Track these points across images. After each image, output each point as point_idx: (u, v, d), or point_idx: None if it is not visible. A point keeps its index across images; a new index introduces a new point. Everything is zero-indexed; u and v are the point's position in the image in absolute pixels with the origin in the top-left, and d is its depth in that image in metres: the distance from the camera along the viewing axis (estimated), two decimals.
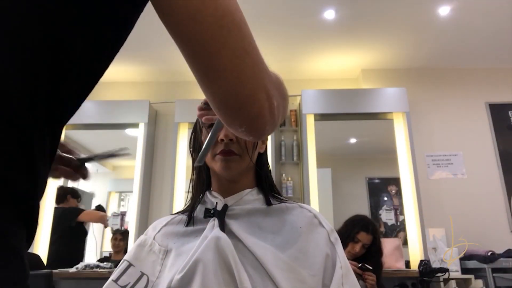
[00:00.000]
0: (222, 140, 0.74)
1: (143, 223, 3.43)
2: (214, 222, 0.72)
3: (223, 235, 0.68)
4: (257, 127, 0.45)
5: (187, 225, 0.76)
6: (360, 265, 1.95)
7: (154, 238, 0.76)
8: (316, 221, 0.75)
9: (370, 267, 1.95)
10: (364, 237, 2.03)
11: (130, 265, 0.73)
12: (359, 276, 1.93)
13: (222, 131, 0.74)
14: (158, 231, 0.78)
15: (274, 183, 0.85)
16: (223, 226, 0.71)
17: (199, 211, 0.77)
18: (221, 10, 0.39)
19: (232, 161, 0.75)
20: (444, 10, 2.94)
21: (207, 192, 0.81)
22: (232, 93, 0.41)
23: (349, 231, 2.06)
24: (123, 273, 0.72)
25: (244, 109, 0.42)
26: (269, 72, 0.46)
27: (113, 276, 0.72)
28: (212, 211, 0.75)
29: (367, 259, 2.00)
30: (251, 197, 0.78)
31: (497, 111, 3.64)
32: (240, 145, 0.76)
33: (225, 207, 0.75)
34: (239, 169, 0.77)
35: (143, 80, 3.99)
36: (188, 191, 0.83)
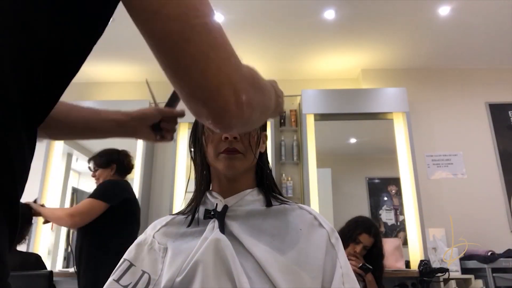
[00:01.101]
0: (226, 138, 0.74)
1: (143, 223, 3.43)
2: (214, 224, 0.72)
3: (223, 237, 0.68)
4: (222, 120, 0.45)
5: (188, 226, 0.76)
6: (360, 264, 1.95)
7: (153, 237, 0.76)
8: (317, 223, 0.75)
9: (371, 267, 1.95)
10: (365, 239, 2.03)
11: (131, 265, 0.73)
12: (360, 277, 1.93)
13: None
14: (157, 230, 0.78)
15: (275, 183, 0.84)
16: (223, 228, 0.71)
17: (199, 212, 0.77)
18: (184, 6, 0.40)
19: (236, 160, 0.75)
20: (444, 10, 2.94)
21: (206, 192, 0.81)
22: (198, 87, 0.42)
23: (351, 231, 2.06)
24: (124, 272, 0.72)
25: (210, 103, 0.43)
26: (240, 66, 0.46)
27: (114, 276, 0.72)
28: (212, 212, 0.74)
29: (368, 261, 2.01)
30: (251, 198, 0.78)
31: (497, 111, 3.64)
32: (244, 143, 0.76)
33: (225, 208, 0.75)
34: (243, 168, 0.76)
35: (143, 80, 3.98)
36: (186, 191, 0.83)
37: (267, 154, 0.85)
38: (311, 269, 0.67)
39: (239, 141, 0.75)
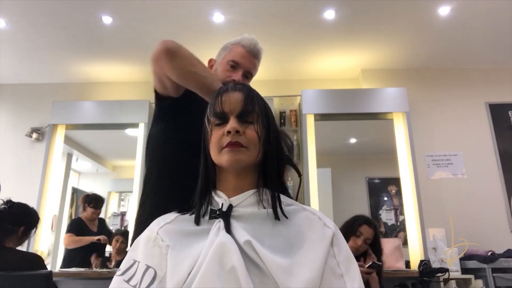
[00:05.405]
0: (228, 132, 0.74)
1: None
2: (219, 224, 0.71)
3: (229, 239, 0.67)
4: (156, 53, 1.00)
5: (196, 223, 0.75)
6: (370, 263, 1.95)
7: (157, 233, 0.75)
8: (321, 223, 0.75)
9: (380, 263, 1.96)
10: (366, 230, 2.04)
11: (135, 261, 0.72)
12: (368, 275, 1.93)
13: (229, 124, 0.74)
14: (161, 227, 0.76)
15: (282, 182, 0.82)
16: (229, 228, 0.70)
17: (204, 211, 0.77)
18: None
19: (240, 153, 0.74)
20: (444, 10, 2.94)
21: (212, 191, 0.80)
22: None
23: (351, 226, 2.07)
24: (128, 268, 0.71)
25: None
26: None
27: (118, 272, 0.71)
28: (217, 212, 0.74)
29: (367, 257, 2.01)
30: (256, 198, 0.77)
31: (497, 111, 3.64)
32: (247, 137, 0.75)
33: (230, 207, 0.74)
34: (247, 161, 0.75)
35: (143, 80, 3.99)
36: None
37: (275, 152, 0.81)
38: (315, 271, 0.66)
39: (242, 134, 0.74)
